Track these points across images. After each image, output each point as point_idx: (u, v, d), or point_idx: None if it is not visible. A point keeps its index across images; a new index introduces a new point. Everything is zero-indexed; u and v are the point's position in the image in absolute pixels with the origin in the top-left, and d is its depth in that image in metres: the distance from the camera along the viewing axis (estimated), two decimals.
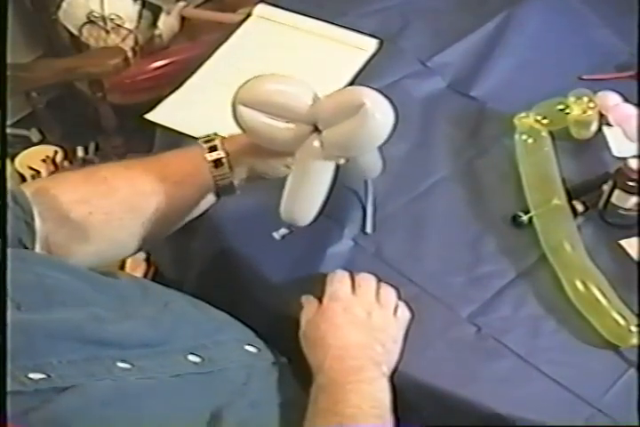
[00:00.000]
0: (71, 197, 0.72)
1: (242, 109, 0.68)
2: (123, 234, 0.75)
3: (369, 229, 0.91)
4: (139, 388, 0.58)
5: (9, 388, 0.50)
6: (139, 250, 0.80)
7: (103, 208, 0.73)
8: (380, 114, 0.65)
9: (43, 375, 0.53)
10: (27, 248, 0.68)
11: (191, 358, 0.65)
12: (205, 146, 0.75)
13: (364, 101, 0.64)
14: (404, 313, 0.80)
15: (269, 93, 0.68)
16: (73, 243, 0.71)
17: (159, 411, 0.57)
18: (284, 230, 0.81)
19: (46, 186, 0.72)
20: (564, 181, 0.93)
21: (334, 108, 0.66)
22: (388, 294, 0.81)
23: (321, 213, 0.72)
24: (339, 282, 0.80)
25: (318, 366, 0.72)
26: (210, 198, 0.79)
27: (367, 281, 0.81)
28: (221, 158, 0.74)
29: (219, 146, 0.75)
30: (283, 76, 0.69)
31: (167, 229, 0.81)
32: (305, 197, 0.70)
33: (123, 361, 0.59)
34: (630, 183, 0.87)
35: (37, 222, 0.69)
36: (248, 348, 0.72)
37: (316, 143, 0.68)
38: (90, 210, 0.72)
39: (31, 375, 0.52)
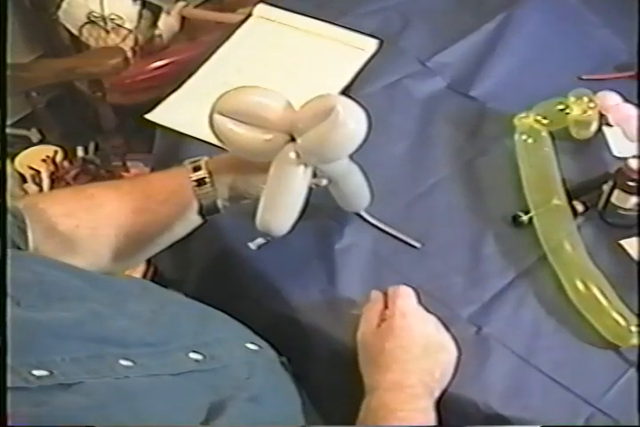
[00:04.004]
0: (58, 211, 0.73)
1: (217, 118, 0.69)
2: (109, 249, 0.76)
3: (415, 243, 0.91)
4: (141, 385, 0.58)
5: (13, 384, 0.50)
6: (126, 268, 0.81)
7: (89, 222, 0.74)
8: (350, 118, 0.65)
9: (46, 372, 0.53)
10: (20, 249, 0.68)
11: (192, 355, 0.65)
12: (190, 166, 0.77)
13: (335, 106, 0.65)
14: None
15: (245, 103, 0.69)
16: (61, 255, 0.72)
17: (161, 408, 0.57)
18: (260, 240, 0.81)
19: (35, 201, 0.75)
20: (564, 181, 0.93)
21: (308, 115, 0.67)
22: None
23: (298, 221, 0.71)
24: (407, 296, 0.78)
25: (372, 385, 0.71)
26: (195, 219, 0.79)
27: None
28: (204, 178, 0.76)
29: (202, 166, 0.77)
30: (260, 88, 0.70)
31: (152, 249, 0.81)
32: (281, 206, 0.70)
33: (125, 359, 0.59)
34: (630, 183, 0.87)
35: (29, 230, 0.71)
36: (249, 345, 0.73)
37: (291, 151, 0.69)
38: (76, 223, 0.73)
39: (35, 372, 0.52)
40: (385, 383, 0.70)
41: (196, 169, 0.77)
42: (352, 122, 0.65)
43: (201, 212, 0.79)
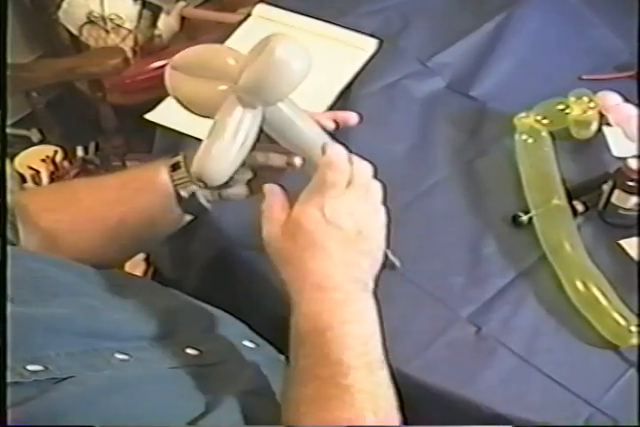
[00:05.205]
0: (40, 206, 0.74)
1: (170, 72, 0.68)
2: (89, 244, 0.75)
3: (397, 262, 0.86)
4: (137, 377, 0.58)
5: (8, 379, 0.50)
6: (114, 263, 0.80)
7: (69, 217, 0.74)
8: (286, 52, 0.62)
9: (41, 367, 0.53)
10: (14, 245, 0.69)
11: (189, 351, 0.65)
12: (169, 157, 0.76)
13: (270, 40, 0.63)
14: (383, 210, 0.69)
15: (195, 55, 0.68)
16: (45, 251, 0.72)
17: (157, 399, 0.57)
18: (193, 188, 0.76)
19: (18, 198, 0.74)
20: (564, 181, 0.93)
21: (250, 57, 0.65)
22: (377, 188, 0.69)
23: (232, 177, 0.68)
24: (334, 177, 0.65)
25: (295, 292, 0.64)
26: (176, 211, 0.77)
27: (364, 173, 0.68)
28: (179, 162, 0.75)
29: (180, 154, 0.76)
30: (214, 45, 0.69)
31: (137, 243, 0.80)
32: (217, 150, 0.65)
33: (120, 353, 0.59)
34: (630, 183, 0.87)
35: (19, 224, 0.71)
36: (246, 343, 0.72)
37: (232, 94, 0.66)
38: (56, 218, 0.73)
39: (29, 367, 0.52)
40: (307, 292, 0.62)
41: (173, 157, 0.76)
42: (286, 55, 0.63)
43: (180, 201, 0.76)
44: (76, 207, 0.75)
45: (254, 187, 0.78)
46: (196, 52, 0.68)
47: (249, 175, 0.77)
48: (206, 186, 0.70)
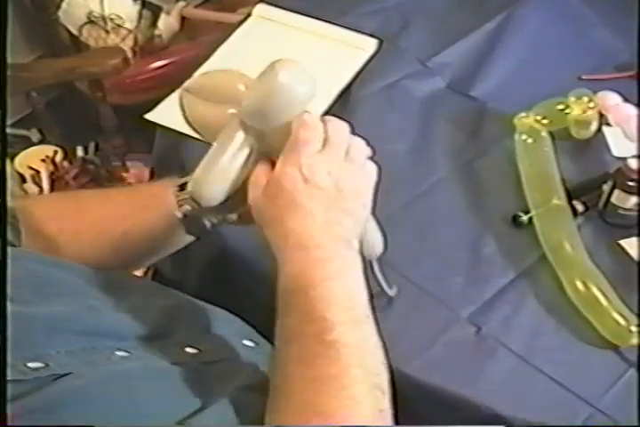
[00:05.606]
0: (44, 214, 0.73)
1: (183, 95, 0.70)
2: (91, 255, 0.75)
3: (390, 292, 0.84)
4: (137, 371, 0.58)
5: (9, 377, 0.50)
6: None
7: (73, 226, 0.74)
8: (287, 75, 0.62)
9: (42, 364, 0.53)
10: (14, 246, 0.69)
11: (189, 350, 0.65)
12: (179, 176, 0.75)
13: (274, 65, 0.62)
14: (372, 167, 0.67)
15: (207, 80, 0.70)
16: None
17: (155, 394, 0.58)
18: (187, 208, 0.77)
19: (23, 203, 0.74)
20: (563, 181, 0.93)
21: (256, 82, 0.65)
22: (359, 146, 0.67)
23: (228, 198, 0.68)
24: (306, 134, 0.64)
25: (278, 254, 0.63)
26: (178, 231, 0.76)
27: (339, 131, 0.65)
28: (186, 182, 0.73)
29: (189, 175, 0.74)
30: (227, 69, 0.70)
31: (136, 259, 0.80)
32: (216, 171, 0.66)
33: (120, 350, 0.59)
34: (630, 183, 0.87)
35: (21, 226, 0.71)
36: (246, 342, 0.72)
37: (235, 117, 0.66)
38: (60, 227, 0.73)
39: (30, 364, 0.53)
40: (289, 251, 0.61)
41: (182, 177, 0.75)
42: (289, 80, 0.62)
43: (184, 221, 0.75)
44: (81, 218, 0.75)
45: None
46: (208, 77, 0.69)
47: None
48: (199, 206, 0.70)
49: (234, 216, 0.78)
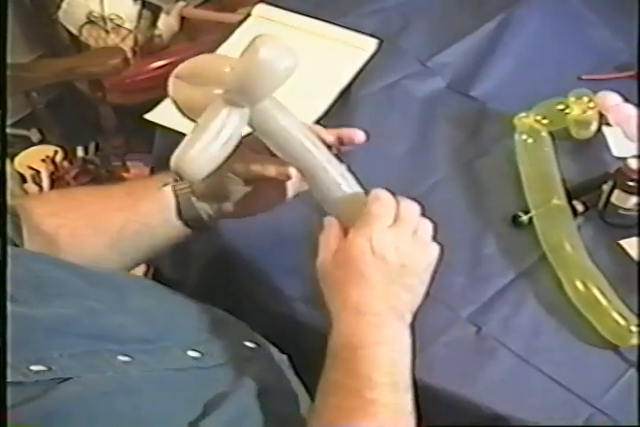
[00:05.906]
0: (43, 211, 0.74)
1: (172, 81, 0.70)
2: (90, 251, 0.75)
3: None
4: (140, 379, 0.58)
5: (10, 379, 0.50)
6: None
7: (71, 222, 0.75)
8: (267, 50, 0.63)
9: (44, 368, 0.53)
10: (16, 246, 0.69)
11: (191, 353, 0.65)
12: None
13: (255, 40, 0.64)
14: (435, 248, 0.71)
15: (195, 64, 0.70)
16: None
17: (160, 401, 0.58)
18: (169, 180, 0.77)
19: (22, 202, 0.75)
20: (564, 181, 0.93)
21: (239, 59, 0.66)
22: (426, 226, 0.71)
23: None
24: (380, 209, 0.68)
25: (335, 315, 0.67)
26: (176, 223, 0.77)
27: (410, 211, 0.70)
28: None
29: None
30: (215, 54, 0.71)
31: (134, 253, 0.80)
32: (199, 146, 0.66)
33: (123, 355, 0.59)
34: (630, 183, 0.87)
35: (23, 225, 0.71)
36: (247, 343, 0.73)
37: (219, 95, 0.67)
38: (59, 223, 0.74)
39: (32, 367, 0.53)
40: (345, 313, 0.66)
41: None
42: (270, 55, 0.64)
43: (180, 213, 0.77)
44: (78, 213, 0.76)
45: (253, 201, 0.78)
46: (196, 61, 0.70)
47: (246, 189, 0.77)
48: (181, 178, 0.71)
49: (229, 206, 0.78)
